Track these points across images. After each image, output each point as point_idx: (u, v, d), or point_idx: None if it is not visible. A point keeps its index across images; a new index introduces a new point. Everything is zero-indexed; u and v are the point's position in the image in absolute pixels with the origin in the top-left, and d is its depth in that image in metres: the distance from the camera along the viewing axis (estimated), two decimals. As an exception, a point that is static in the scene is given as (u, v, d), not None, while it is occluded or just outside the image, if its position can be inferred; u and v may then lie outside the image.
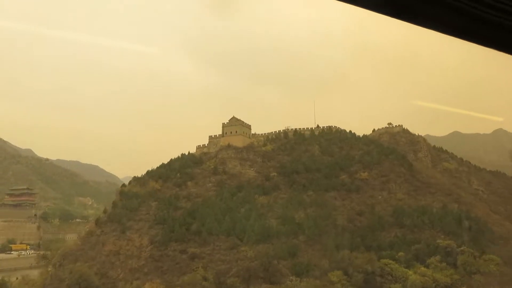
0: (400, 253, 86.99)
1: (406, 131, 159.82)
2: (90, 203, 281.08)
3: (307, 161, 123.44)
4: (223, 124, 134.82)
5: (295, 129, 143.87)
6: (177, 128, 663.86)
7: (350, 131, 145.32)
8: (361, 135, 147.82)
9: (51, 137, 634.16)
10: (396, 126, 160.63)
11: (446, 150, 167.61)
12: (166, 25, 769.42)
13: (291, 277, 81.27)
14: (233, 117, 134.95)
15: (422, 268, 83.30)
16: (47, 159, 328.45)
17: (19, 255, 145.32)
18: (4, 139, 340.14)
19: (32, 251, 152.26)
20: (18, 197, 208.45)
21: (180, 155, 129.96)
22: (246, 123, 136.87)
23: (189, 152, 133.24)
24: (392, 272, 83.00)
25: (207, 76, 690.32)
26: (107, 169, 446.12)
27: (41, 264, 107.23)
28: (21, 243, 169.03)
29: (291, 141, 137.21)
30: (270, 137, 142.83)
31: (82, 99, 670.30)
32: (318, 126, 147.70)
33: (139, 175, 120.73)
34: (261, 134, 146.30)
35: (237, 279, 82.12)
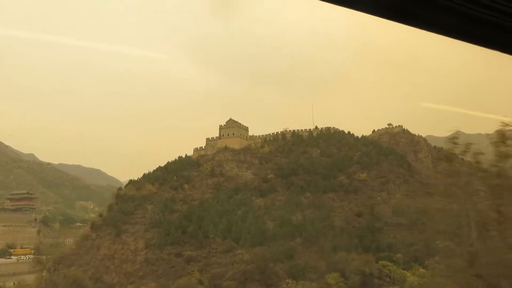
0: (399, 255, 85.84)
1: (406, 132, 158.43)
2: (91, 207, 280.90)
3: (305, 162, 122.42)
4: (220, 126, 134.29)
5: (293, 130, 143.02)
6: (178, 130, 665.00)
7: (349, 132, 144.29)
8: (360, 136, 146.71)
9: (53, 141, 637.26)
10: (396, 126, 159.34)
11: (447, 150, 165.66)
12: (165, 26, 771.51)
13: (287, 280, 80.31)
14: (230, 119, 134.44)
15: (421, 270, 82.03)
16: (48, 164, 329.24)
17: (18, 260, 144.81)
18: (6, 144, 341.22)
19: (33, 256, 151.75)
20: (18, 201, 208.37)
21: (177, 158, 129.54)
22: (243, 125, 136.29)
23: (186, 155, 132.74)
24: (390, 273, 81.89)
25: (207, 77, 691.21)
26: (109, 172, 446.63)
27: (36, 269, 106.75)
28: (21, 248, 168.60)
29: (289, 143, 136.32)
30: (267, 138, 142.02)
31: (83, 101, 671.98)
32: (316, 127, 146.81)
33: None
34: (259, 135, 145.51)
35: (232, 282, 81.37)
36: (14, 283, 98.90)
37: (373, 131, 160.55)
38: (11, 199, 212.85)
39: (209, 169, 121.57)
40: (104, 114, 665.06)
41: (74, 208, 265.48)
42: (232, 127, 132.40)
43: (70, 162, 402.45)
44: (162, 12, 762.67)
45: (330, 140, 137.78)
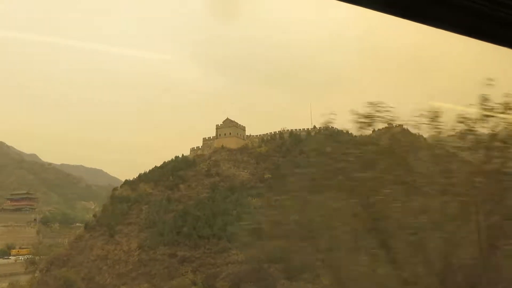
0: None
1: (406, 131, 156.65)
2: (92, 207, 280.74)
3: (302, 162, 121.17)
4: (217, 125, 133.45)
5: (291, 130, 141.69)
6: (178, 130, 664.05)
7: (347, 131, 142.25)
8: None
9: (56, 141, 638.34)
10: (396, 126, 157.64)
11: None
12: (168, 28, 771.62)
13: (282, 281, 79.21)
14: (227, 119, 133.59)
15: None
16: (49, 164, 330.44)
17: (16, 260, 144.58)
18: (8, 144, 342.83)
19: (31, 256, 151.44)
20: (18, 202, 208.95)
21: (173, 158, 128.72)
22: (240, 125, 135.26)
23: (182, 155, 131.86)
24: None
25: (207, 77, 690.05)
26: (111, 172, 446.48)
27: (30, 270, 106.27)
28: (20, 248, 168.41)
29: (286, 142, 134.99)
30: (265, 138, 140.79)
31: (84, 102, 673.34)
32: (314, 127, 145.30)
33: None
34: (256, 135, 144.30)
35: (226, 283, 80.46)
36: (9, 284, 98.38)
37: (373, 130, 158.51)
38: (11, 199, 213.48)
39: (205, 169, 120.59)
40: (105, 114, 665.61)
41: (75, 208, 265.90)
42: (229, 126, 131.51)
43: (72, 163, 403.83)
44: (165, 15, 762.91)
45: (328, 139, 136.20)
